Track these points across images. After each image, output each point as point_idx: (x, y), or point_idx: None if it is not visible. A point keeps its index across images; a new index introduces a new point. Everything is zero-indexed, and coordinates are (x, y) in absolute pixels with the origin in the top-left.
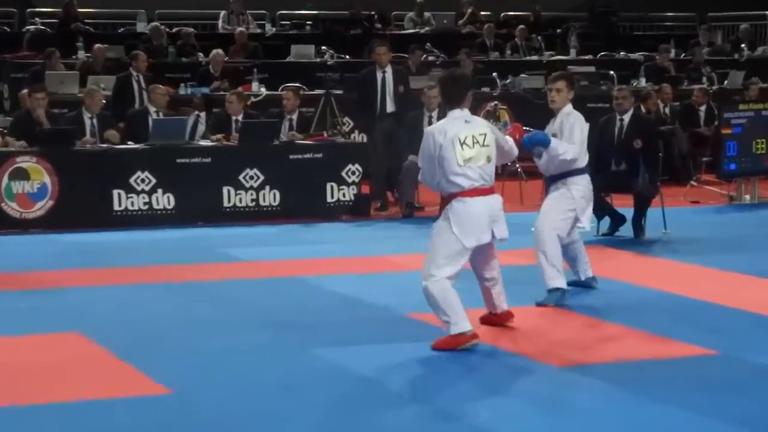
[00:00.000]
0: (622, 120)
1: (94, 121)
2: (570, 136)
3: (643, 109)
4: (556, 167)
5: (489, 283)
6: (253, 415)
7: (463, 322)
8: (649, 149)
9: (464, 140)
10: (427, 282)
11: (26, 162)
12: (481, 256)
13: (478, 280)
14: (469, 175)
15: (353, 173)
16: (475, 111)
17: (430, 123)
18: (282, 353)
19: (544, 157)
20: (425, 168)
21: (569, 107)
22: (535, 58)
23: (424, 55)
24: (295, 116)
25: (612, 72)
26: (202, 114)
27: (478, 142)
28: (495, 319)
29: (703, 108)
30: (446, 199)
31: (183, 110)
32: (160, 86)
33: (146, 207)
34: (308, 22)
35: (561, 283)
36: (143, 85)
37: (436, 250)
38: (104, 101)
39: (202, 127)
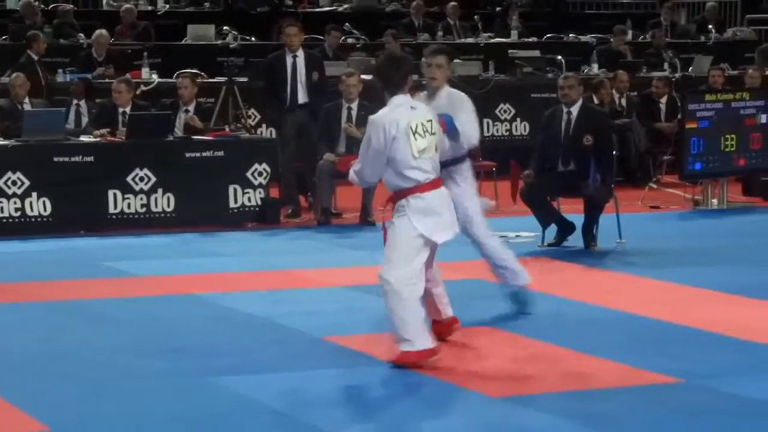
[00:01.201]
0: (569, 113)
1: None
2: (469, 114)
3: (595, 99)
4: (448, 153)
5: (430, 284)
6: None
7: (421, 341)
8: (601, 147)
9: (416, 129)
10: (393, 283)
11: None
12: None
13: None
14: (424, 168)
15: (260, 174)
16: None
17: (348, 116)
18: (178, 382)
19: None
20: (368, 163)
21: (447, 86)
22: (471, 40)
23: (343, 37)
24: (192, 107)
25: (560, 57)
26: (83, 103)
27: (427, 130)
28: (441, 329)
29: (664, 99)
30: (398, 196)
31: (59, 100)
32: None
33: (18, 213)
34: None
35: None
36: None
37: (396, 245)
38: None
39: (85, 119)
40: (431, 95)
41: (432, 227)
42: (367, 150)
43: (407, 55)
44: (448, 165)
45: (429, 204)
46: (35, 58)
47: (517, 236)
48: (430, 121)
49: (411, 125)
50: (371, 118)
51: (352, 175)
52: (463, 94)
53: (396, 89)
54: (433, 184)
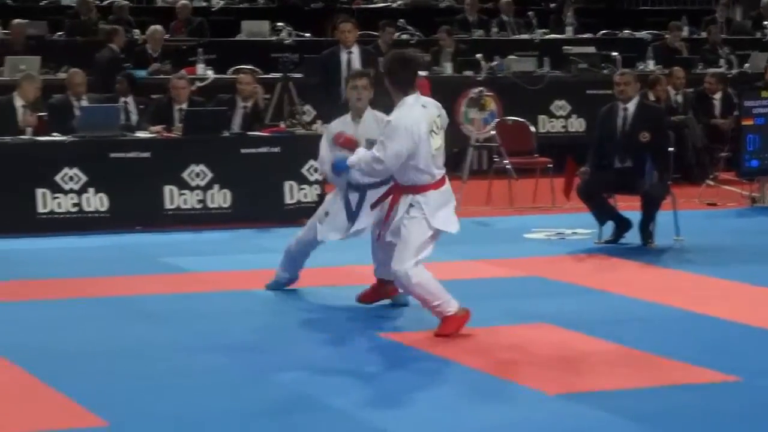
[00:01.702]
0: (626, 109)
1: (28, 110)
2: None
3: (650, 96)
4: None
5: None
6: None
7: (453, 302)
8: (657, 143)
9: (431, 128)
10: (405, 274)
11: None
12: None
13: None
14: (439, 164)
15: (316, 170)
16: (457, 97)
17: None
18: (236, 379)
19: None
20: (389, 163)
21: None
22: (525, 36)
23: (397, 33)
24: (250, 104)
25: (615, 53)
26: (130, 99)
27: (438, 127)
28: (383, 291)
29: (718, 96)
30: (412, 190)
31: (113, 98)
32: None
33: (75, 209)
34: None
35: None
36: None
37: (411, 242)
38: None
39: (134, 116)
40: (356, 117)
41: (445, 220)
42: (388, 150)
43: (416, 54)
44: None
45: (443, 197)
46: (117, 51)
47: (573, 233)
48: (440, 116)
49: (429, 124)
50: (393, 122)
51: (355, 162)
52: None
53: (407, 88)
54: (444, 179)
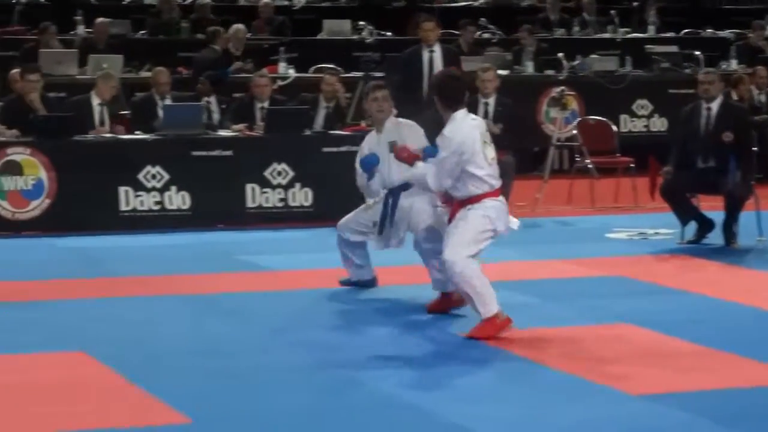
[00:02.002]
0: (709, 109)
1: (104, 109)
2: (420, 138)
3: (734, 95)
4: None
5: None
6: None
7: (495, 304)
8: (741, 143)
9: (483, 139)
10: (453, 262)
11: (19, 154)
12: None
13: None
14: (494, 174)
15: None
16: (538, 96)
17: (485, 111)
18: (317, 377)
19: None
20: (446, 174)
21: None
22: (607, 35)
23: (478, 32)
24: (333, 103)
25: (697, 52)
26: (212, 99)
27: (487, 140)
28: (448, 302)
29: None
30: (470, 201)
31: (195, 96)
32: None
33: (158, 207)
34: None
35: None
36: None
37: (465, 234)
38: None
39: (216, 115)
40: (379, 127)
41: (501, 223)
42: (444, 165)
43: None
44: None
45: (501, 206)
46: (219, 51)
47: (655, 233)
48: (487, 131)
49: (482, 136)
50: (447, 135)
51: (419, 176)
52: (410, 121)
53: (457, 105)
54: (500, 191)
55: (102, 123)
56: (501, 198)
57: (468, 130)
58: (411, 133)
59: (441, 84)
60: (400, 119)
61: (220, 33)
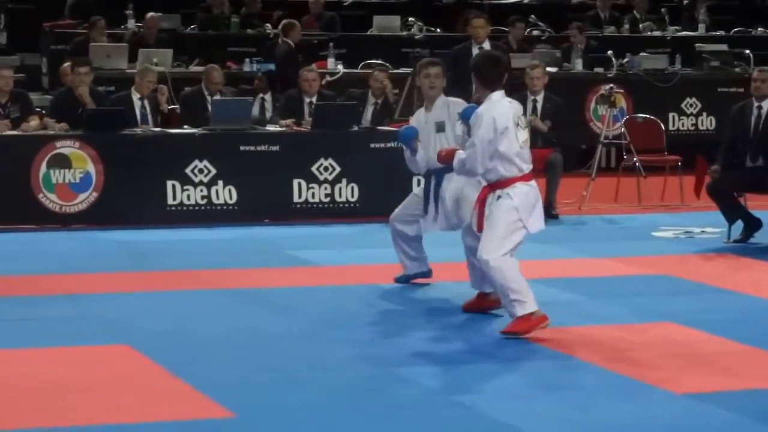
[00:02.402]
0: (760, 107)
1: (145, 103)
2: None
3: None
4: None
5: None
6: None
7: (531, 302)
8: None
9: (518, 122)
10: (491, 258)
11: (68, 147)
12: None
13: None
14: (526, 157)
15: None
16: (587, 93)
17: (534, 108)
18: (362, 372)
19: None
20: (478, 155)
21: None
22: (657, 33)
23: (528, 29)
24: (381, 100)
25: (747, 51)
26: (267, 96)
27: (522, 123)
28: (484, 301)
29: None
30: (500, 185)
31: (246, 90)
32: (216, 66)
33: (204, 201)
34: None
35: None
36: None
37: (496, 231)
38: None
39: (268, 113)
40: (429, 105)
41: (529, 215)
42: (477, 142)
43: (503, 54)
44: None
45: (532, 192)
46: (292, 45)
47: (702, 232)
48: (524, 116)
49: (515, 117)
50: (479, 112)
51: (457, 164)
52: (459, 99)
53: (495, 86)
54: (532, 175)
55: (144, 119)
56: (532, 183)
57: (501, 109)
58: (459, 107)
59: (480, 64)
60: (450, 98)
61: (294, 26)
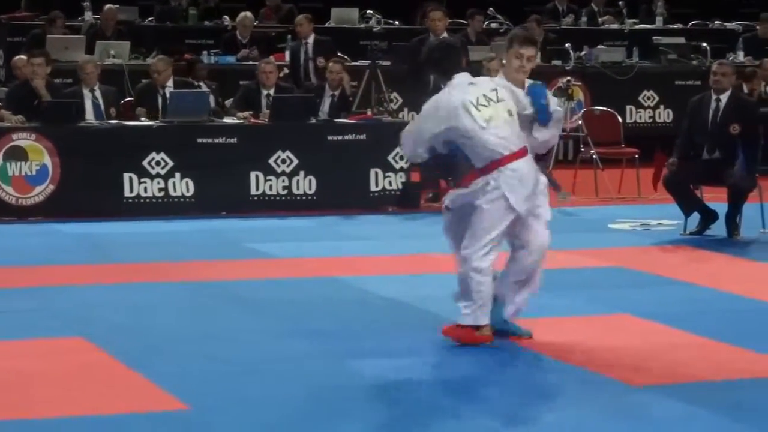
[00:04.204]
0: (718, 100)
1: (97, 95)
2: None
3: (744, 89)
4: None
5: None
6: None
7: (485, 318)
8: (749, 135)
9: (477, 102)
10: (467, 259)
11: (24, 140)
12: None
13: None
14: (501, 134)
15: (401, 158)
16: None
17: None
18: (318, 365)
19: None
20: (410, 135)
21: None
22: (615, 26)
23: (486, 22)
24: (338, 92)
25: (705, 44)
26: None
27: (492, 99)
28: None
29: None
30: (486, 170)
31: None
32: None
33: (161, 194)
34: None
35: None
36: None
37: (477, 227)
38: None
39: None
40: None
41: (519, 198)
42: (414, 124)
43: (454, 41)
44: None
45: (520, 173)
46: (304, 43)
47: (659, 224)
48: (495, 90)
49: (469, 99)
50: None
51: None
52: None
53: (452, 73)
54: (520, 153)
55: (97, 110)
56: (520, 162)
57: (451, 93)
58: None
59: (429, 57)
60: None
61: (301, 21)
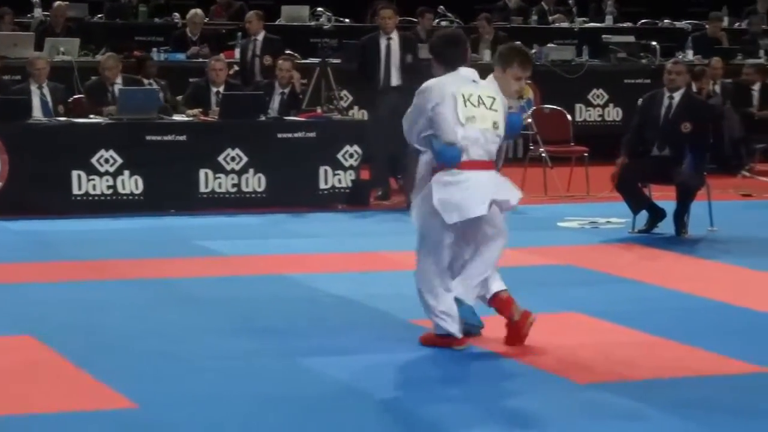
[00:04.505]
0: (671, 98)
1: (45, 92)
2: None
3: (694, 87)
4: None
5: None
6: None
7: (453, 326)
8: (699, 135)
9: (468, 98)
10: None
11: None
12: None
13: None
14: (472, 137)
15: (351, 156)
16: None
17: None
18: (266, 363)
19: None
20: (407, 120)
21: None
22: (565, 25)
23: (437, 20)
24: (288, 89)
25: (654, 42)
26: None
27: (484, 103)
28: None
29: (756, 86)
30: (437, 170)
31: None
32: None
33: (110, 191)
34: None
35: None
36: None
37: (419, 237)
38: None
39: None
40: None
41: (453, 214)
42: (410, 110)
43: (459, 31)
44: None
45: (470, 182)
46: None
47: (607, 222)
48: (492, 98)
49: (462, 92)
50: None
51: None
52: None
53: (458, 64)
54: (483, 165)
55: (45, 108)
56: (473, 174)
57: (439, 81)
58: None
59: (434, 47)
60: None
61: (251, 18)
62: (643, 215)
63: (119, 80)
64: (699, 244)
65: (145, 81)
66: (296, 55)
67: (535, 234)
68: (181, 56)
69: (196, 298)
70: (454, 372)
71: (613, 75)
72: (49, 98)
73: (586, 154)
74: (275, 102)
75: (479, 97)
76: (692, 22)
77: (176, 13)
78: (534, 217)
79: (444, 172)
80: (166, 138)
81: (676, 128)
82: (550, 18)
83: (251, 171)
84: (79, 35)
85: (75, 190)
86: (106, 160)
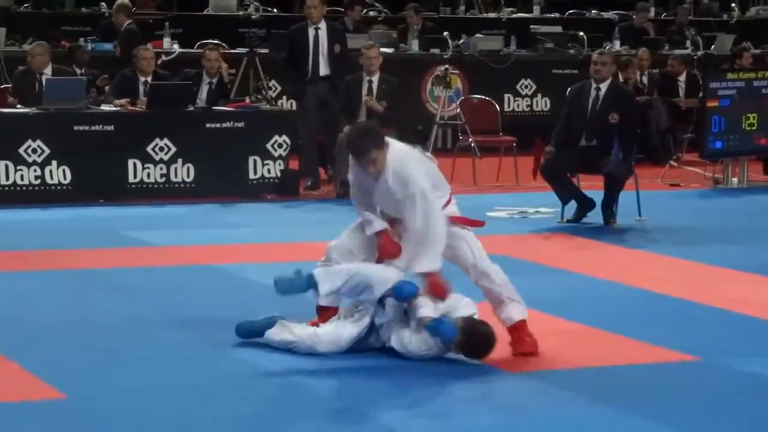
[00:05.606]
0: (598, 89)
1: None
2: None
3: (620, 78)
4: None
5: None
6: (160, 424)
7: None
8: (626, 125)
9: None
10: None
11: None
12: None
13: None
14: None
15: (280, 146)
16: (423, 75)
17: (369, 89)
18: (195, 353)
19: None
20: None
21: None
22: (493, 15)
23: (364, 10)
24: (216, 79)
25: (582, 33)
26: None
27: None
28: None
29: (682, 77)
30: None
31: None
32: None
33: (38, 181)
34: None
35: None
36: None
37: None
38: None
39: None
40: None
41: None
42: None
43: (373, 125)
44: None
45: None
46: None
47: (536, 212)
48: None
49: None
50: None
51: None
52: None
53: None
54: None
55: None
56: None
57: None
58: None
59: (348, 143)
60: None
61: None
62: (572, 205)
63: (48, 70)
64: (627, 234)
65: (78, 70)
66: (224, 44)
67: None
68: (108, 46)
69: (124, 288)
70: (379, 360)
71: (541, 65)
72: None
73: (514, 144)
74: (203, 92)
75: None
76: (619, 12)
77: (103, 3)
78: (463, 207)
79: None
80: (94, 128)
81: (603, 119)
82: (477, 8)
83: (180, 161)
84: (5, 25)
85: (2, 181)
86: (34, 151)
